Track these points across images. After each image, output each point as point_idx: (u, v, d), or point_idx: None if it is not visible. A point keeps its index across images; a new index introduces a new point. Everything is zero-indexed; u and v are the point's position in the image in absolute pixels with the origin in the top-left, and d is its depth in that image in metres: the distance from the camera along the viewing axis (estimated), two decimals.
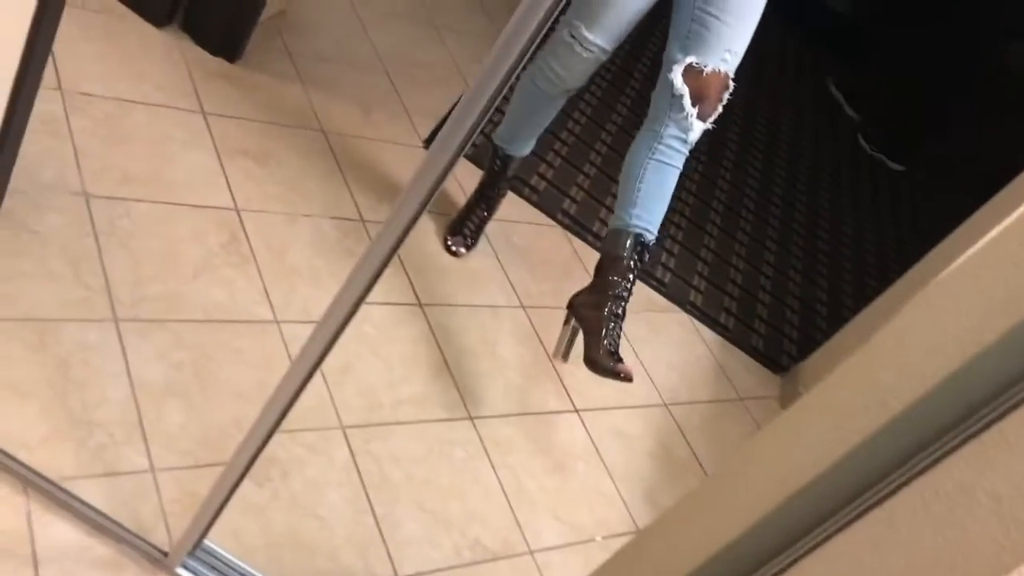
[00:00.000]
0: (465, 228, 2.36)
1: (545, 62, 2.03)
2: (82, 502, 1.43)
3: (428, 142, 2.71)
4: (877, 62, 5.08)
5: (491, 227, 2.46)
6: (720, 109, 1.92)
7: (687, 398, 2.49)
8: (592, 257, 2.71)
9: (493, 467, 1.96)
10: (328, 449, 1.77)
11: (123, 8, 2.30)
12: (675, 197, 3.23)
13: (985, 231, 2.42)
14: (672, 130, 1.92)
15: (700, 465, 2.32)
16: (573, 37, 1.93)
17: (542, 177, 2.85)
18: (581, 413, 2.22)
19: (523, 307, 2.37)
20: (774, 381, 2.77)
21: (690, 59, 1.85)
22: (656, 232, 2.00)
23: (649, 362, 2.50)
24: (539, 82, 2.06)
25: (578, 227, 2.77)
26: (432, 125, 2.77)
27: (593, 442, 2.18)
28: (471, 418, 2.02)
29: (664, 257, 2.94)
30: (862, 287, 3.57)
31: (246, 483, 1.61)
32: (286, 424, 1.74)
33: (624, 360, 1.89)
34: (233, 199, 2.08)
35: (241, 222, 2.05)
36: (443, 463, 1.89)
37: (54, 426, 1.51)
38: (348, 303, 1.18)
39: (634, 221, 1.95)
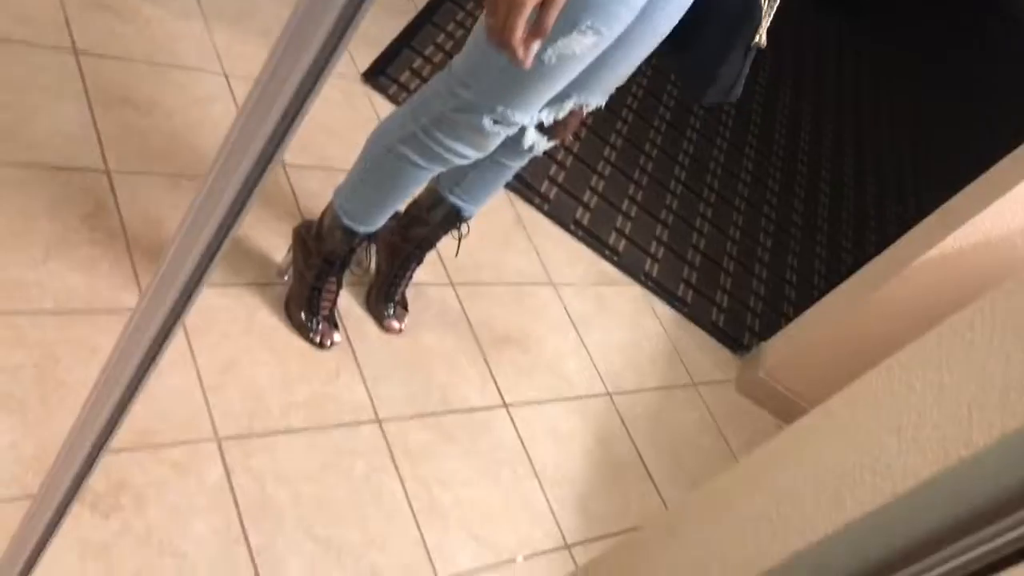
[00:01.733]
0: (323, 310, 1.81)
1: (437, 141, 1.53)
2: None
3: (368, 74, 2.39)
4: None
5: None
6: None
7: (633, 386, 2.24)
8: (537, 224, 2.44)
9: (401, 479, 1.71)
10: (198, 467, 1.51)
11: None
12: (640, 151, 2.97)
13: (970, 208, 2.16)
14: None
15: (643, 463, 2.09)
16: (497, 123, 1.47)
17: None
18: (510, 408, 1.97)
19: (451, 284, 2.10)
20: (732, 363, 2.53)
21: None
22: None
23: (594, 345, 2.25)
24: (423, 160, 1.58)
25: (524, 187, 2.48)
26: (373, 55, 2.45)
27: (522, 443, 1.93)
28: (378, 420, 1.76)
29: (620, 221, 2.66)
30: (838, 260, 3.31)
31: (86, 515, 1.36)
32: (147, 438, 1.49)
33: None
34: (104, 158, 1.78)
35: (112, 187, 1.75)
36: (340, 479, 1.64)
37: None
38: (179, 277, 0.90)
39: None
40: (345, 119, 2.23)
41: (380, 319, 1.91)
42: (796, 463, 1.12)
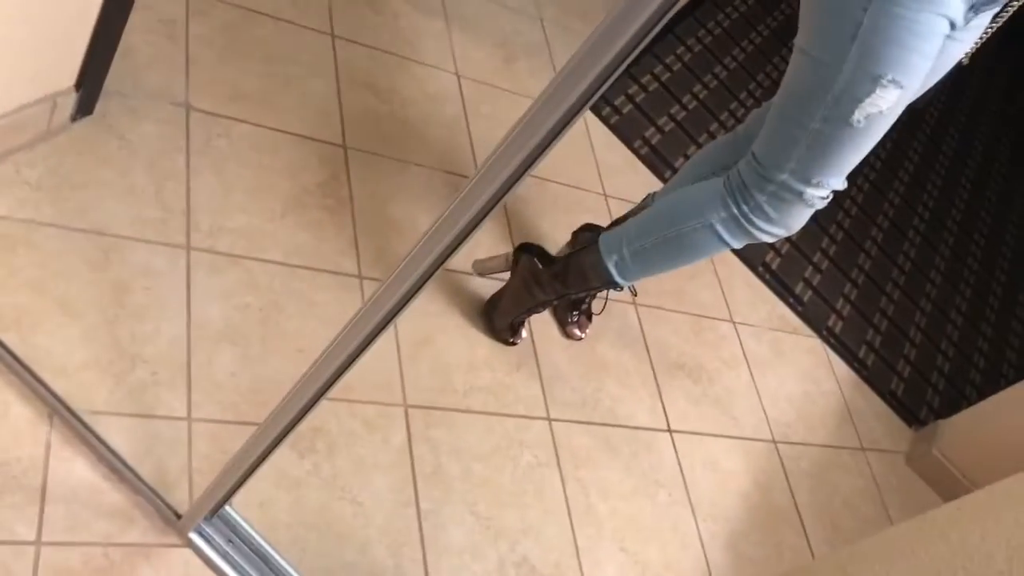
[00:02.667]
0: (522, 325, 1.88)
1: (756, 227, 1.56)
2: (105, 444, 1.32)
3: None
4: None
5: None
6: None
7: (801, 438, 2.21)
8: (726, 261, 2.45)
9: (562, 478, 1.76)
10: (385, 427, 1.62)
11: None
12: (838, 206, 2.92)
13: None
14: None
15: (799, 517, 2.06)
16: (819, 197, 1.51)
17: (629, 99, 2.58)
18: (674, 434, 1.99)
19: (634, 304, 2.15)
20: (905, 435, 2.45)
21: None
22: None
23: (766, 389, 2.24)
24: (736, 242, 1.61)
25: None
26: None
27: (682, 470, 1.95)
28: (549, 419, 1.83)
29: (809, 271, 2.63)
30: None
31: (286, 452, 1.48)
32: (346, 393, 1.61)
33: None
34: (343, 134, 1.93)
35: (346, 161, 1.90)
36: (507, 464, 1.71)
37: (95, 354, 1.41)
38: (424, 262, 1.00)
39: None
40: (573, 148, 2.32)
41: (564, 324, 1.98)
42: (968, 530, 1.09)
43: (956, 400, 2.59)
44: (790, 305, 2.49)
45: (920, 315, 2.84)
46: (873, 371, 2.52)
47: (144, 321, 1.48)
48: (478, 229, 0.98)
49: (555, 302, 1.85)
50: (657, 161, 2.47)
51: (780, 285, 2.51)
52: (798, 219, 1.57)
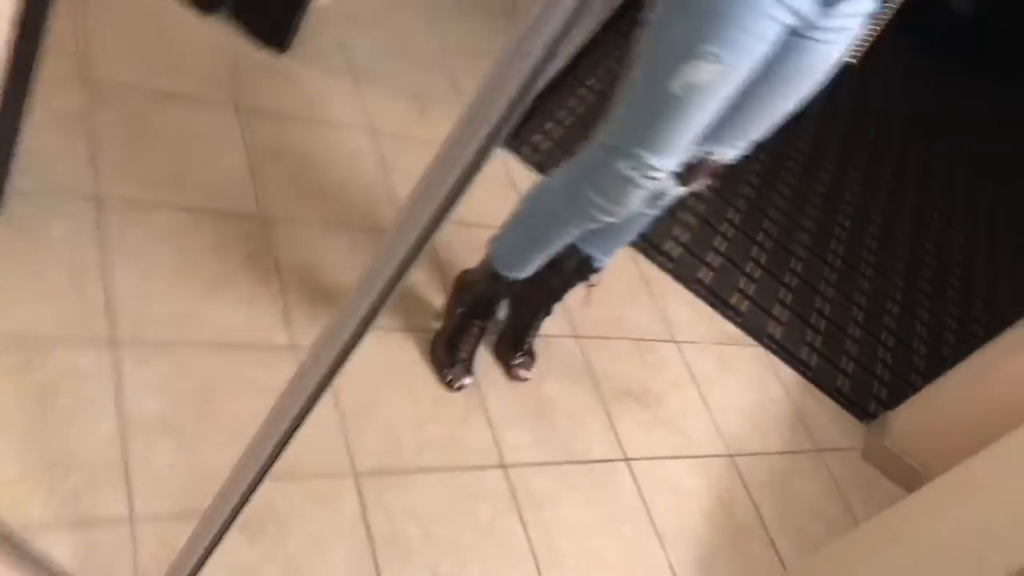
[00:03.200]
0: (461, 354, 1.87)
1: (581, 194, 1.58)
2: (44, 560, 1.28)
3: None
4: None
5: None
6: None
7: (757, 448, 2.22)
8: (661, 282, 2.47)
9: (523, 524, 1.75)
10: (336, 499, 1.59)
11: None
12: (764, 215, 2.97)
13: None
14: None
15: (765, 529, 2.07)
16: (634, 169, 1.49)
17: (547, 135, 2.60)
18: (631, 463, 1.99)
19: (576, 336, 2.15)
20: (858, 431, 2.48)
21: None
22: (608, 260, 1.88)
23: (716, 405, 2.25)
24: (569, 213, 1.63)
25: (648, 246, 2.52)
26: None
27: (643, 498, 1.94)
28: (503, 466, 1.81)
29: (743, 283, 2.67)
30: (968, 327, 3.21)
31: (236, 538, 1.44)
32: (292, 468, 1.58)
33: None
34: (260, 205, 1.91)
35: (270, 232, 1.88)
36: (466, 519, 1.69)
37: (25, 466, 1.36)
38: (351, 323, 0.98)
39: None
40: (479, 178, 2.32)
41: (508, 367, 1.97)
42: (933, 523, 1.11)
43: (903, 389, 2.63)
44: (729, 317, 2.52)
45: (856, 310, 2.90)
46: (818, 371, 2.55)
47: (74, 424, 1.44)
48: (401, 283, 0.96)
49: (475, 312, 1.89)
50: None
51: (716, 299, 2.54)
52: (625, 197, 1.53)
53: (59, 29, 1.53)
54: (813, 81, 1.50)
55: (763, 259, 2.81)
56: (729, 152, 1.59)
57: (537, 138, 2.56)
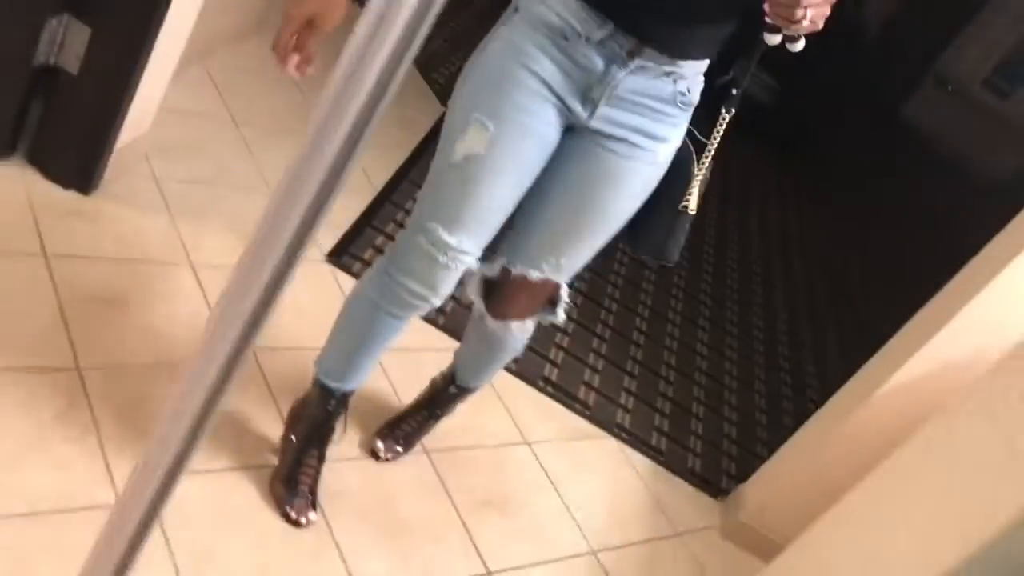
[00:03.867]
0: (302, 485, 1.78)
1: (392, 277, 1.59)
2: None
3: (332, 255, 2.46)
4: None
5: (401, 355, 2.20)
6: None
7: (618, 541, 2.22)
8: (507, 384, 2.47)
9: None
10: None
11: None
12: (599, 306, 3.05)
13: (923, 331, 2.24)
14: None
15: None
16: (432, 245, 1.52)
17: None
18: None
19: (426, 452, 2.10)
20: (714, 508, 2.52)
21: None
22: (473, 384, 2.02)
23: (575, 503, 2.24)
24: (388, 304, 1.63)
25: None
26: (336, 236, 2.53)
27: None
28: None
29: (587, 375, 2.70)
30: (803, 394, 3.37)
31: None
32: None
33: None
34: (75, 356, 1.79)
35: (83, 383, 1.76)
36: None
37: None
38: (162, 464, 0.90)
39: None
40: (312, 299, 2.28)
41: (371, 447, 1.98)
42: None
43: (751, 462, 2.70)
44: (577, 412, 2.54)
45: (698, 389, 2.98)
46: (669, 455, 2.59)
47: None
48: (213, 415, 0.90)
49: (310, 437, 1.82)
50: None
51: (564, 394, 2.56)
52: (429, 275, 1.56)
53: None
54: (607, 196, 1.53)
55: (604, 349, 2.87)
56: (533, 272, 1.60)
57: (368, 254, 2.54)
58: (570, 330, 2.85)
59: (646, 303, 3.26)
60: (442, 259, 1.53)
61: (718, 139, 1.55)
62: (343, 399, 1.80)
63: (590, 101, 1.46)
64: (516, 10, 1.47)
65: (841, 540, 1.37)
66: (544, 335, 2.73)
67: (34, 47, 1.93)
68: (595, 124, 1.48)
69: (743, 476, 2.58)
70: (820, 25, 1.27)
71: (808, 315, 4.05)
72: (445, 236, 1.51)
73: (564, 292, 1.69)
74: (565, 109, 1.47)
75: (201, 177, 2.45)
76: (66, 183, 2.11)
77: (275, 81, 3.03)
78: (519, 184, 1.51)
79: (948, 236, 3.76)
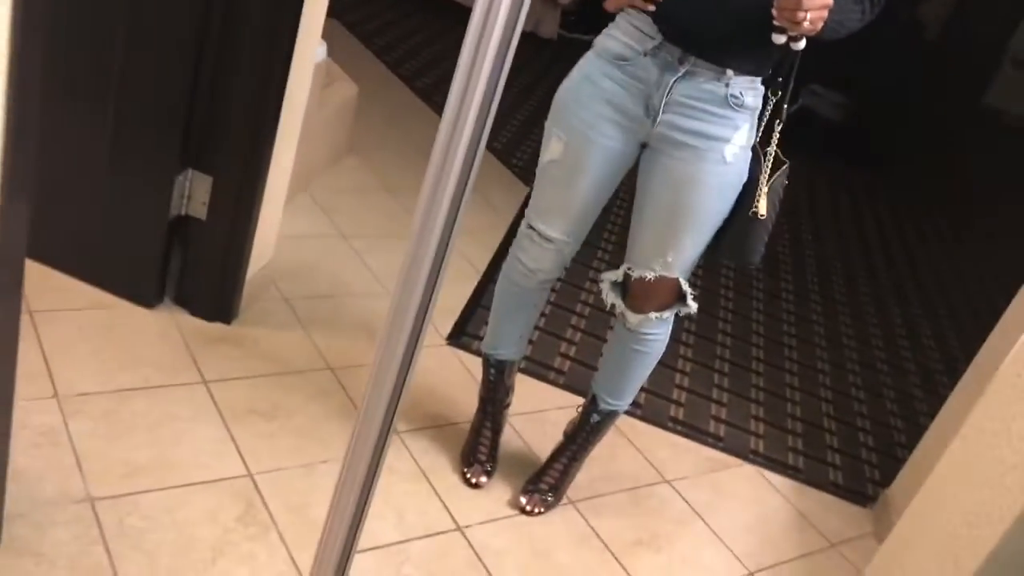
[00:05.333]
0: (479, 455, 2.17)
1: (515, 257, 2.02)
2: None
3: (451, 337, 2.64)
4: None
5: (528, 417, 2.34)
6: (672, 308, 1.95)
7: (773, 560, 2.26)
8: (636, 430, 2.57)
9: None
10: None
11: (112, 298, 2.32)
12: (713, 343, 3.13)
13: None
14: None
15: None
16: (530, 229, 1.95)
17: (565, 356, 2.75)
18: None
19: (572, 502, 2.21)
20: (865, 516, 2.53)
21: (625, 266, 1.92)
22: (615, 403, 2.14)
23: (723, 531, 2.29)
24: (514, 277, 2.04)
25: None
26: (452, 320, 2.72)
27: None
28: None
29: (714, 409, 2.77)
30: (933, 385, 3.34)
31: None
32: None
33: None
34: (245, 464, 2.00)
35: (256, 487, 1.95)
36: None
37: None
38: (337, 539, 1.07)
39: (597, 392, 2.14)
40: (441, 380, 2.45)
41: (518, 505, 2.14)
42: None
43: (892, 464, 2.70)
44: (710, 444, 2.60)
45: (826, 404, 3.00)
46: (808, 471, 2.62)
47: None
48: (370, 498, 1.05)
49: (484, 408, 2.20)
50: None
51: (693, 430, 2.64)
52: (529, 254, 1.97)
53: (23, 351, 1.66)
54: (690, 198, 1.75)
55: (725, 383, 2.93)
56: (647, 272, 1.85)
57: (484, 331, 2.70)
58: (688, 370, 2.93)
59: (759, 332, 3.32)
60: (537, 239, 1.93)
61: (773, 147, 1.70)
62: (500, 368, 2.16)
63: (652, 110, 1.72)
64: (592, 47, 1.80)
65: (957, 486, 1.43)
66: (664, 378, 2.82)
67: (168, 202, 2.20)
68: (660, 130, 1.72)
69: (887, 480, 2.59)
70: (819, 27, 1.49)
71: (922, 309, 4.01)
72: (537, 224, 1.92)
73: (685, 286, 1.89)
74: (631, 123, 1.75)
75: (324, 291, 2.68)
76: (210, 316, 2.36)
77: (370, 194, 3.29)
78: (595, 184, 1.83)
79: None
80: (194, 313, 2.36)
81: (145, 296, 2.32)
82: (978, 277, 4.66)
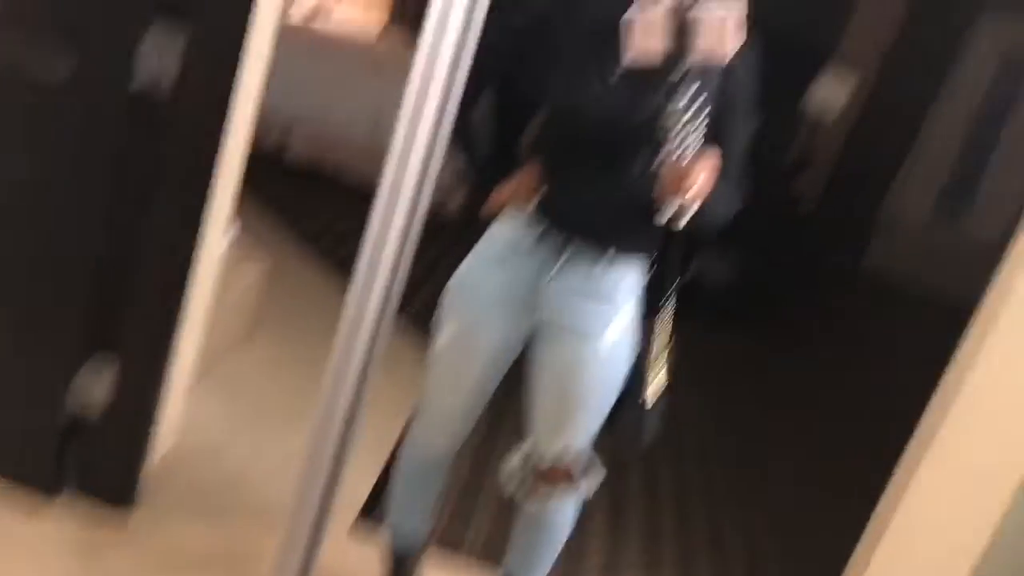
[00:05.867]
0: None
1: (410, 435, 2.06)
2: None
3: (363, 515, 2.56)
4: None
5: None
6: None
7: None
8: None
9: None
10: None
11: (6, 486, 2.23)
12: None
13: None
14: None
15: None
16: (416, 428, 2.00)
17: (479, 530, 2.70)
18: None
19: None
20: None
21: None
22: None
23: None
24: (413, 452, 2.05)
25: None
26: (363, 496, 2.64)
27: None
28: None
29: None
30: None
31: None
32: None
33: None
34: None
35: None
36: None
37: None
38: None
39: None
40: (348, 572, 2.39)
41: None
42: None
43: None
44: None
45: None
46: None
47: None
48: None
49: None
50: None
51: None
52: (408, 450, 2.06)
53: None
54: (577, 380, 1.75)
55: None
56: (548, 450, 1.81)
57: None
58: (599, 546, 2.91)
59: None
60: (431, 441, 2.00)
61: (661, 336, 1.74)
62: (402, 558, 2.13)
63: (539, 293, 1.74)
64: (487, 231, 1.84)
65: None
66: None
67: (63, 403, 2.18)
68: (548, 315, 1.74)
69: None
70: (706, 192, 1.52)
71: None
72: (430, 439, 1.97)
73: (585, 463, 1.84)
74: (520, 310, 1.76)
75: (229, 476, 2.61)
76: (112, 502, 2.27)
77: (282, 370, 3.27)
78: (481, 379, 1.86)
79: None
80: (94, 501, 2.27)
81: (42, 485, 2.24)
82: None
